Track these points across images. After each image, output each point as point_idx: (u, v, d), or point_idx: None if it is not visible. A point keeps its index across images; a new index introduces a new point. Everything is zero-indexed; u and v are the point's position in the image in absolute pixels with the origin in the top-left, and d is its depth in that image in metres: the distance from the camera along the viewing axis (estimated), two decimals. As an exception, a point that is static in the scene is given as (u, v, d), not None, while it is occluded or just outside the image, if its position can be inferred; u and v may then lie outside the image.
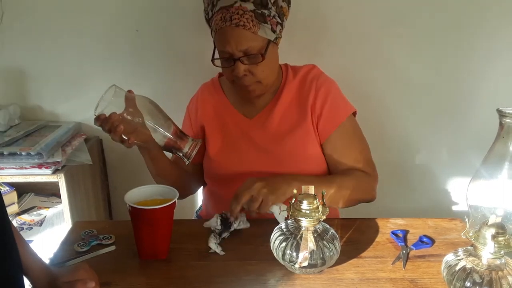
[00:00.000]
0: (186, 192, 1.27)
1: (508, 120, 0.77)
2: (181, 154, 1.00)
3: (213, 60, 1.10)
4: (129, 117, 0.94)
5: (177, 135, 0.98)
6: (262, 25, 1.04)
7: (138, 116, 0.95)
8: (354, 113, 1.19)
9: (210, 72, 1.30)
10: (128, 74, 1.52)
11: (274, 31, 1.07)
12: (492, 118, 0.82)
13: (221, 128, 1.20)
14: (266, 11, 1.04)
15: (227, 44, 1.04)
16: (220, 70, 1.26)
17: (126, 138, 0.96)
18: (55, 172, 1.31)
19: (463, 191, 0.83)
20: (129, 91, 0.97)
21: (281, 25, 1.10)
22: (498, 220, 0.76)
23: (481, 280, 0.75)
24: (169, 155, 1.12)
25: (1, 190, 1.41)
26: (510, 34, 1.46)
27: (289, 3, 1.12)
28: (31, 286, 0.85)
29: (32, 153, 1.29)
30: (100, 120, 0.94)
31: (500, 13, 1.43)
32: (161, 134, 0.97)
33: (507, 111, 0.76)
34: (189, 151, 0.98)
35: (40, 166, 1.30)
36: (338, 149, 1.15)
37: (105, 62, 1.51)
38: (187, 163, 1.01)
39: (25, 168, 1.29)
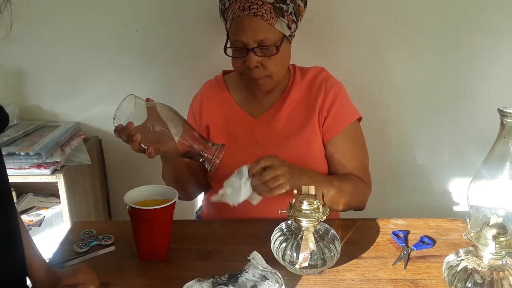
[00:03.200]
0: (196, 194, 1.29)
1: (509, 120, 0.76)
2: (202, 160, 0.95)
3: (225, 49, 1.09)
4: (149, 126, 0.90)
5: (199, 142, 0.94)
6: (280, 19, 1.05)
7: (160, 124, 0.91)
8: (360, 119, 1.20)
9: (210, 72, 1.30)
10: (127, 74, 1.52)
11: (289, 28, 1.07)
12: (493, 118, 0.81)
13: (225, 127, 1.19)
14: (284, 6, 1.05)
15: (242, 33, 1.03)
16: (224, 68, 1.27)
17: (146, 147, 0.93)
18: (54, 172, 1.30)
19: (464, 191, 0.83)
20: (148, 99, 0.94)
21: (296, 24, 1.10)
22: (499, 220, 0.75)
23: (482, 281, 0.75)
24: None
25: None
26: (511, 34, 1.45)
27: (305, 4, 1.13)
28: (31, 286, 0.85)
29: (31, 153, 1.29)
30: (118, 131, 0.91)
31: (501, 13, 1.43)
32: (183, 142, 0.93)
33: (508, 111, 0.76)
34: (213, 158, 0.94)
35: (39, 166, 1.30)
36: (339, 153, 1.15)
37: (104, 62, 1.51)
38: (210, 170, 0.96)
39: (24, 168, 1.29)
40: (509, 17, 1.44)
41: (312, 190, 0.87)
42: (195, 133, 0.94)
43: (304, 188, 0.87)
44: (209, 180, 1.23)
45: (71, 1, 1.44)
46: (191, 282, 0.78)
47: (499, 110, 0.77)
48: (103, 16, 1.45)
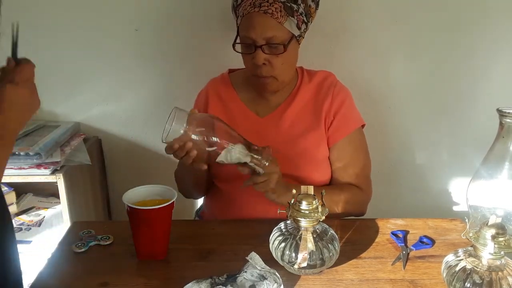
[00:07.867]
0: (204, 194, 1.29)
1: (508, 120, 0.76)
2: (254, 165, 0.95)
3: (234, 44, 1.10)
4: (197, 138, 0.90)
5: (249, 148, 0.94)
6: (289, 18, 1.05)
7: (208, 136, 0.91)
8: (363, 126, 1.21)
9: (212, 72, 1.29)
10: (128, 74, 1.52)
11: (299, 28, 1.08)
12: (492, 118, 0.81)
13: (231, 125, 1.19)
14: (295, 6, 1.05)
15: (252, 29, 1.04)
16: (230, 66, 1.27)
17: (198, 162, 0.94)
18: (54, 172, 1.30)
19: (463, 191, 0.83)
20: (192, 110, 0.93)
21: (306, 25, 1.11)
22: (498, 220, 0.75)
23: (481, 281, 0.75)
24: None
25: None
26: (511, 34, 1.45)
27: (317, 5, 1.13)
28: (29, 285, 0.85)
29: (31, 153, 1.29)
30: (173, 149, 0.91)
31: (501, 13, 1.43)
32: (235, 151, 0.93)
33: (507, 111, 0.76)
34: (265, 161, 0.94)
35: (38, 166, 1.30)
36: (342, 158, 1.16)
37: (104, 62, 1.50)
38: (261, 173, 0.96)
39: (24, 168, 1.29)
40: (508, 17, 1.43)
41: (311, 190, 0.87)
42: (243, 139, 0.95)
43: (303, 188, 0.87)
44: (213, 179, 1.23)
45: (71, 1, 1.44)
46: (190, 284, 0.78)
47: (498, 110, 0.77)
48: (103, 16, 1.45)
